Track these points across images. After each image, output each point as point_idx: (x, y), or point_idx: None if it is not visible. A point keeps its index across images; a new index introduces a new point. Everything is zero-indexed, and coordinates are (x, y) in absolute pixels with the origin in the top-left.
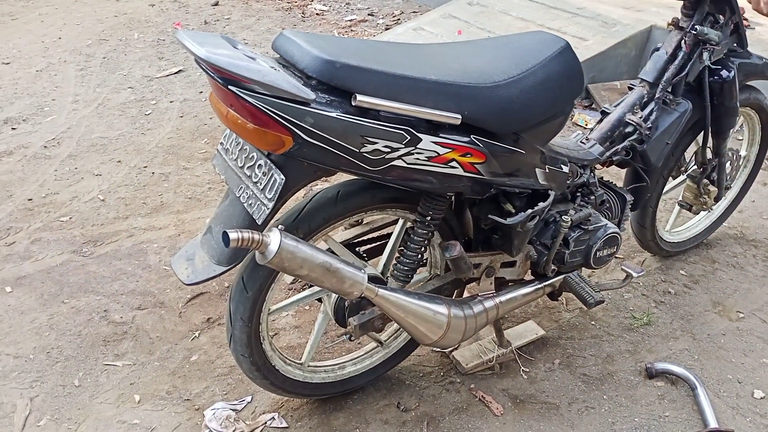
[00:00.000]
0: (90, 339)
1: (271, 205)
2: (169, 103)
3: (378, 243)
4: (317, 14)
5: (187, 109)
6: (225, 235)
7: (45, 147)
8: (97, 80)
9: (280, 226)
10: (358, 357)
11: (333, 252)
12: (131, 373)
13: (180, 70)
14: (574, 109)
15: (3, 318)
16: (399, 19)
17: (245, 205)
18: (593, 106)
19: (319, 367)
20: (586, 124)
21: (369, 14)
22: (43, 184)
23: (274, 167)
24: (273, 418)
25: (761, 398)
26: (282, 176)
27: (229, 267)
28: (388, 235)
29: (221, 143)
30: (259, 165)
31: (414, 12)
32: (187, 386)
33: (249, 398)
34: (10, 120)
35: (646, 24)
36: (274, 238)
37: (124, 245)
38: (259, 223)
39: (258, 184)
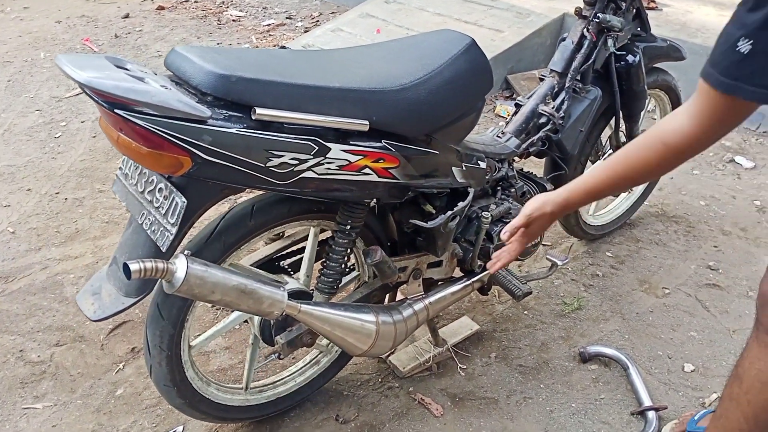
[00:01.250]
0: (6, 382)
1: (174, 230)
2: (81, 123)
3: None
4: (233, 21)
5: (100, 128)
6: (126, 266)
7: None
8: (1, 105)
9: (186, 252)
10: (302, 367)
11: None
12: (53, 414)
13: None
14: (496, 100)
15: None
16: (318, 21)
17: (148, 232)
18: (514, 96)
19: (266, 386)
20: (509, 115)
21: (287, 18)
22: None
23: (175, 190)
24: None
25: (691, 371)
26: (184, 199)
27: (138, 298)
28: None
29: (120, 168)
30: (160, 189)
31: (332, 13)
32: (114, 422)
33: (180, 428)
34: None
35: (559, 12)
36: (180, 265)
37: (38, 279)
38: (164, 251)
39: (160, 209)
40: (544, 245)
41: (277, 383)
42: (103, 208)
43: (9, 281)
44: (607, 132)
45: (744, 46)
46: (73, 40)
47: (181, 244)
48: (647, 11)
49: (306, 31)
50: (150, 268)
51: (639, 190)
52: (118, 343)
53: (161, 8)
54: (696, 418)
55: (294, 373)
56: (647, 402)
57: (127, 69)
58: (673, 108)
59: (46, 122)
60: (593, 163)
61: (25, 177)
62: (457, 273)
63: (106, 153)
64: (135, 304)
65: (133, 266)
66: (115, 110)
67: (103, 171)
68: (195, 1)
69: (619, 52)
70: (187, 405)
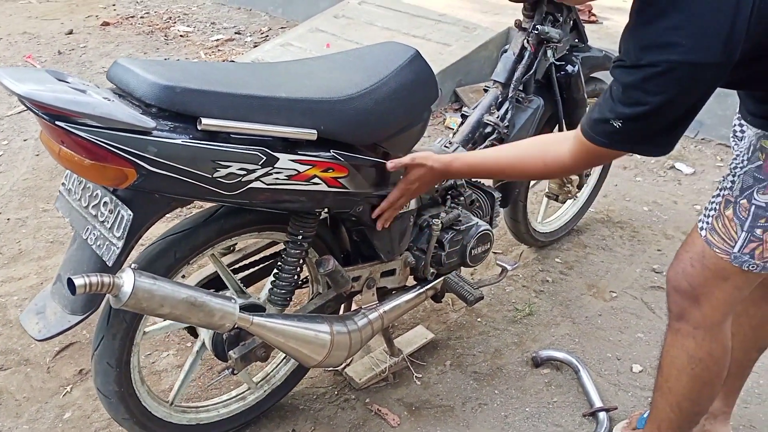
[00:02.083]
0: None
1: (120, 244)
2: (23, 141)
3: (257, 267)
4: (181, 36)
5: (43, 146)
6: (70, 282)
7: None
8: None
9: (133, 265)
10: (227, 400)
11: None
12: None
13: None
14: (445, 112)
15: None
16: (267, 36)
17: (94, 247)
18: (463, 108)
19: (190, 408)
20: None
21: (236, 33)
22: None
23: (120, 203)
24: None
25: (639, 372)
26: (129, 212)
27: (85, 315)
28: (267, 258)
29: (63, 183)
30: (105, 203)
31: (282, 28)
32: None
33: None
34: None
35: (504, 26)
36: (127, 279)
37: None
38: (110, 265)
39: (105, 224)
40: (494, 253)
41: (200, 409)
42: (48, 228)
43: None
44: None
45: (616, 123)
46: (14, 57)
47: (128, 259)
48: (587, 24)
49: (255, 46)
50: (96, 283)
51: (584, 196)
52: (65, 366)
53: (106, 24)
54: (645, 416)
55: (218, 403)
56: (598, 403)
57: (68, 82)
58: None
59: None
60: None
61: None
62: (411, 282)
63: (50, 171)
64: (81, 321)
65: (78, 281)
66: (57, 122)
67: (47, 190)
68: (141, 17)
69: (558, 63)
70: (120, 397)
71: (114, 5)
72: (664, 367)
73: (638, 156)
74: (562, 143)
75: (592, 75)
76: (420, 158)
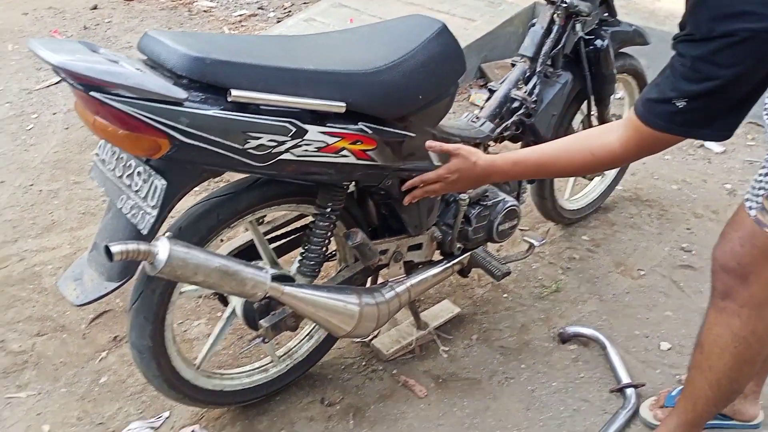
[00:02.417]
0: None
1: (155, 212)
2: (52, 115)
3: (286, 240)
4: (204, 11)
5: (73, 120)
6: (107, 249)
7: None
8: None
9: (168, 234)
10: (250, 370)
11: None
12: (37, 403)
13: (61, 80)
14: (470, 89)
15: None
16: (290, 11)
17: (128, 216)
18: (490, 83)
19: (215, 373)
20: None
21: (259, 8)
22: None
23: (154, 173)
24: (193, 430)
25: (668, 349)
26: (163, 181)
27: (121, 282)
28: (295, 231)
29: (96, 154)
30: (139, 172)
31: (305, 3)
32: (99, 410)
33: (167, 414)
34: None
35: (530, 1)
36: (162, 247)
37: (16, 270)
38: (145, 233)
39: (139, 193)
40: (521, 229)
41: (225, 376)
42: (79, 200)
43: None
44: (579, 116)
45: (679, 103)
46: (41, 32)
47: (161, 228)
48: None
49: (278, 22)
50: (132, 250)
51: (611, 174)
52: (100, 332)
53: None
54: (673, 393)
55: (242, 372)
56: (626, 379)
57: (100, 53)
58: (641, 90)
59: (16, 114)
60: None
61: None
62: (437, 257)
63: (80, 144)
64: (117, 288)
65: (115, 248)
66: (91, 93)
67: (77, 162)
68: None
69: (587, 37)
70: (152, 353)
71: None
72: (705, 344)
73: None
74: (610, 132)
75: (621, 50)
76: (465, 150)
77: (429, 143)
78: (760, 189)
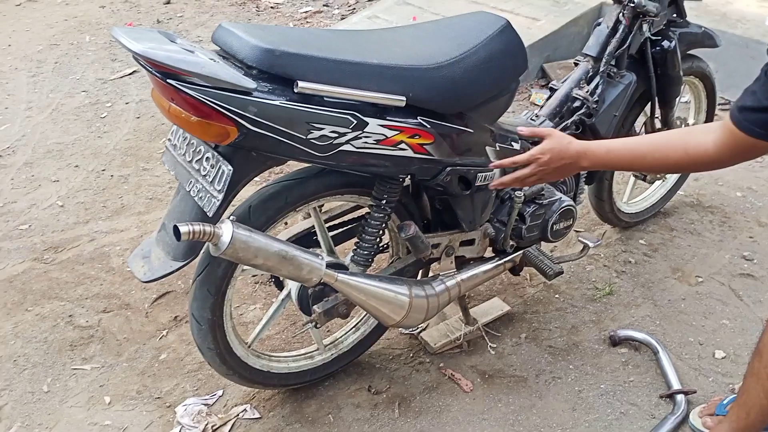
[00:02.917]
0: (56, 344)
1: (221, 196)
2: (125, 104)
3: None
4: (272, 7)
5: (144, 109)
6: (176, 229)
7: (0, 156)
8: (49, 86)
9: (232, 217)
10: (297, 355)
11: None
12: (100, 375)
13: (134, 71)
14: (531, 88)
15: None
16: (354, 9)
17: (196, 198)
18: (552, 82)
19: (264, 354)
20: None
21: (324, 5)
22: None
23: (221, 159)
24: (245, 409)
25: (722, 358)
26: (230, 167)
27: (186, 261)
28: (350, 222)
29: (169, 139)
30: (207, 158)
31: (369, 0)
32: (157, 385)
33: (220, 392)
34: None
35: (596, 1)
36: (226, 229)
37: (86, 249)
38: (210, 216)
39: (207, 177)
40: (576, 231)
41: (273, 358)
42: (148, 186)
43: (59, 251)
44: (642, 118)
45: None
46: (116, 25)
47: (226, 212)
48: (687, 1)
49: (343, 18)
50: (198, 231)
51: (673, 178)
52: (162, 312)
53: None
54: (725, 402)
55: (289, 357)
56: (676, 385)
57: (177, 43)
58: (708, 96)
59: (92, 103)
60: None
61: (73, 154)
62: (489, 254)
63: (150, 133)
64: (182, 267)
65: (183, 228)
66: (168, 80)
67: (147, 150)
68: None
69: (654, 38)
70: (210, 325)
71: None
72: (765, 353)
73: None
74: (707, 133)
75: (689, 52)
76: (558, 133)
77: (521, 129)
78: None
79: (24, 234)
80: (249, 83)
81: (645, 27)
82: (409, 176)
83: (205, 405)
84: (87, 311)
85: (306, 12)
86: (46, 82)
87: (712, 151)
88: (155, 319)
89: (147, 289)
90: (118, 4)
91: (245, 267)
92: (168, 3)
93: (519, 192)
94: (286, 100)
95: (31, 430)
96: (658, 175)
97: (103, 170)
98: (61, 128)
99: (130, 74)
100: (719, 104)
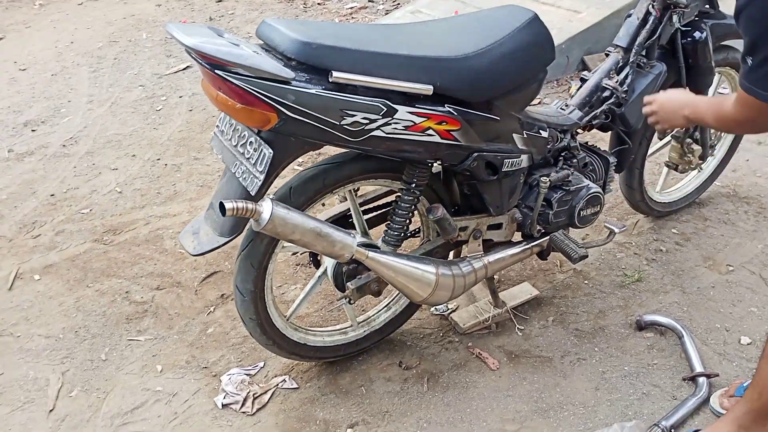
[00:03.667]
0: (114, 318)
1: (262, 177)
2: (179, 98)
3: (373, 214)
4: (318, 4)
5: (196, 103)
6: (221, 205)
7: (63, 146)
8: (109, 80)
9: (272, 196)
10: (331, 330)
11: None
12: (153, 346)
13: (188, 66)
14: (572, 80)
15: (33, 303)
16: (399, 3)
17: (240, 179)
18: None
19: (301, 327)
20: None
21: (369, 1)
22: (63, 180)
23: (263, 143)
24: (284, 380)
25: (748, 344)
26: (270, 150)
27: (231, 237)
28: (382, 207)
29: (217, 125)
30: (250, 142)
31: None
32: (205, 356)
33: (262, 363)
34: (30, 122)
35: None
36: (266, 207)
37: (142, 232)
38: (253, 195)
39: (250, 160)
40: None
41: (309, 332)
42: (198, 174)
43: (117, 233)
44: None
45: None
46: (172, 22)
47: (267, 192)
48: None
49: (386, 14)
50: (242, 208)
51: (709, 169)
52: (210, 290)
53: None
54: (744, 385)
55: (324, 331)
56: (699, 369)
57: (224, 37)
58: None
59: (148, 96)
60: (660, 139)
61: (130, 144)
62: (517, 238)
63: (201, 125)
64: (228, 242)
65: (228, 204)
66: (216, 71)
67: (198, 141)
68: None
69: (685, 28)
70: (253, 297)
71: None
72: None
73: None
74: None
75: (723, 43)
76: (670, 90)
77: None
78: None
79: (85, 218)
80: (288, 73)
81: (675, 18)
82: (438, 161)
83: (247, 375)
84: (142, 288)
85: (351, 8)
86: (106, 77)
87: (730, 111)
88: (204, 297)
89: (197, 269)
90: (172, 3)
91: (285, 243)
92: (220, 1)
93: (545, 178)
94: (322, 89)
95: (89, 394)
96: (690, 165)
97: (158, 159)
98: (120, 120)
99: (183, 69)
100: None
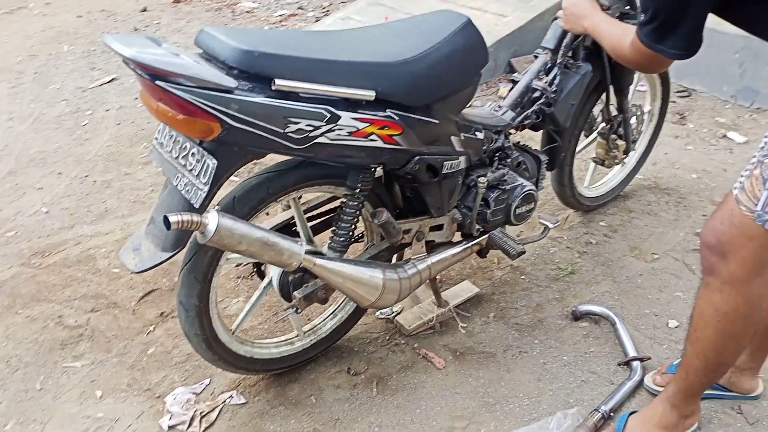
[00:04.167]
0: (47, 344)
1: (206, 188)
2: (105, 111)
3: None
4: (247, 12)
5: (124, 116)
6: (166, 219)
7: None
8: (30, 96)
9: (217, 207)
10: (278, 342)
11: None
12: (91, 371)
13: (113, 79)
14: (500, 82)
15: None
16: (328, 11)
17: (183, 192)
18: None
19: (246, 341)
20: None
21: (299, 8)
22: None
23: (206, 153)
24: (231, 396)
25: (675, 327)
26: (214, 161)
27: (174, 251)
28: (326, 213)
29: (156, 138)
30: (193, 153)
31: (342, 2)
32: (147, 377)
33: (207, 380)
34: None
35: None
36: (212, 219)
37: (72, 253)
38: (197, 206)
39: (193, 171)
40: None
41: (255, 344)
42: (130, 189)
43: (45, 255)
44: (599, 106)
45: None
46: (94, 34)
47: (211, 203)
48: None
49: (317, 21)
50: (187, 221)
51: (631, 163)
52: (148, 309)
53: (177, 1)
54: (675, 363)
55: (270, 343)
56: (632, 353)
57: (162, 47)
58: (662, 83)
59: (72, 111)
60: (587, 137)
61: (56, 162)
62: (457, 238)
63: (130, 139)
64: (171, 257)
65: (173, 218)
66: (156, 81)
67: (128, 155)
68: None
69: None
70: (197, 312)
71: None
72: (694, 317)
73: (690, 125)
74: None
75: None
76: None
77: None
78: (745, 170)
79: (11, 241)
80: (230, 82)
81: None
82: (380, 166)
83: (193, 393)
84: (75, 311)
85: (281, 15)
86: (27, 93)
87: (627, 50)
88: (142, 316)
89: (133, 288)
90: (94, 14)
91: (230, 255)
92: (144, 11)
93: (483, 178)
94: (265, 97)
95: (26, 426)
96: (615, 160)
97: (86, 176)
98: (43, 137)
99: (108, 82)
100: (676, 91)
